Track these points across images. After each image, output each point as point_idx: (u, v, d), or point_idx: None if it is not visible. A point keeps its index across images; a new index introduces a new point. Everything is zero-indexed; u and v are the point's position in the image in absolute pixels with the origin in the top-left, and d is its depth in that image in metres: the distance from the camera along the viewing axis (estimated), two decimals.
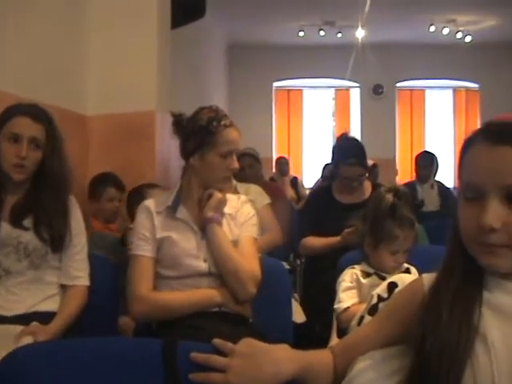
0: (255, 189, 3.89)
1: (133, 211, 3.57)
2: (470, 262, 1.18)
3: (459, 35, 10.51)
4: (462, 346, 1.12)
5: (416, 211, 2.76)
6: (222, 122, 2.41)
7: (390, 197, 2.50)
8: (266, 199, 3.86)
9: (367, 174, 3.80)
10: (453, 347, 1.12)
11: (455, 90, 12.57)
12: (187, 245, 2.40)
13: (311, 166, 11.63)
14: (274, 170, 9.76)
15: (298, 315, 3.20)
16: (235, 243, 2.42)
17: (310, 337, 3.22)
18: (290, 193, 8.42)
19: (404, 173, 11.07)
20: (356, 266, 2.56)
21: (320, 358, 1.35)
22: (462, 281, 1.19)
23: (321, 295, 3.25)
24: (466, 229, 1.16)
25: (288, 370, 1.28)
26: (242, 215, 2.51)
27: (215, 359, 1.29)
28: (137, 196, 3.60)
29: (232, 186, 3.77)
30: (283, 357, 1.30)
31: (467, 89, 12.41)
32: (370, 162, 6.25)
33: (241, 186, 3.79)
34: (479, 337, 1.13)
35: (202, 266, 2.37)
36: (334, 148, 3.80)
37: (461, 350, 1.12)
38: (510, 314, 1.15)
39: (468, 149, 1.18)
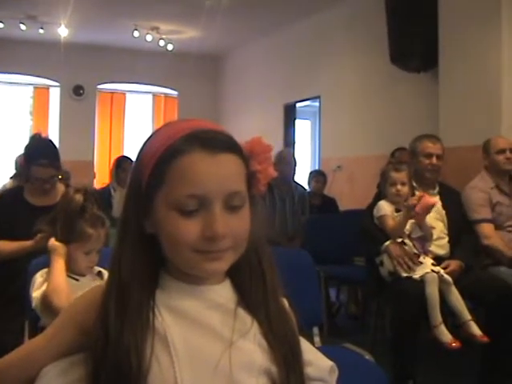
0: None
1: None
2: (145, 265, 1.17)
3: (162, 43, 10.68)
4: (139, 349, 1.10)
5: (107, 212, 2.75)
6: None
7: (79, 197, 2.51)
8: None
9: (60, 176, 3.72)
10: (130, 352, 1.10)
11: (155, 95, 12.85)
12: None
13: (3, 165, 10.96)
14: None
15: None
16: None
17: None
18: None
19: (102, 176, 11.01)
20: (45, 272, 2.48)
21: None
22: (134, 284, 1.16)
23: (12, 303, 3.11)
24: (186, 241, 1.11)
25: None
26: None
27: None
28: None
29: None
30: None
31: (166, 95, 12.77)
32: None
33: None
34: (160, 338, 1.12)
35: None
36: (25, 148, 3.64)
37: (138, 353, 1.10)
38: (191, 316, 1.16)
39: (176, 160, 1.12)
